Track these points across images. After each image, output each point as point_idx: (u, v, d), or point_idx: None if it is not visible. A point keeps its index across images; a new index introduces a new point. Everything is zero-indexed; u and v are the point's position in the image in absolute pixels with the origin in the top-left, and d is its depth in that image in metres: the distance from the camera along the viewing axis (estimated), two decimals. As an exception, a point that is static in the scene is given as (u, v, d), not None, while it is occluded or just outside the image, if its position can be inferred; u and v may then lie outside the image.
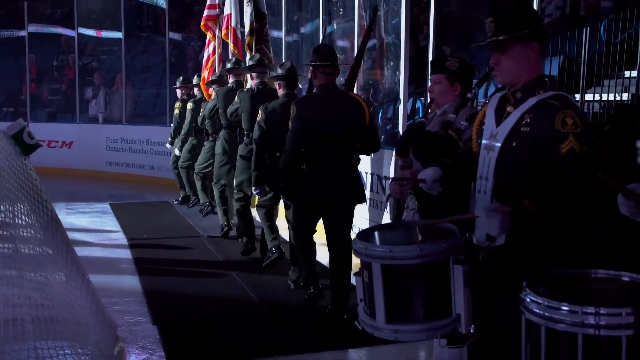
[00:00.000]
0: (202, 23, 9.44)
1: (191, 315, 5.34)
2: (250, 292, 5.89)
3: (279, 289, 5.93)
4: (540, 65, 2.96)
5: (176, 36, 14.61)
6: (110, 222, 9.05)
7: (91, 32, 15.48)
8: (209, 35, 9.41)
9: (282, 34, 9.69)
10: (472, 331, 2.84)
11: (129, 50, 15.12)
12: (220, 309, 5.48)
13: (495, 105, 3.05)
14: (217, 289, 6.02)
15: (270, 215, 6.45)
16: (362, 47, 6.29)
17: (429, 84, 4.16)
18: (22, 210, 3.92)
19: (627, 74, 7.13)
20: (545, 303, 2.13)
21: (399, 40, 6.85)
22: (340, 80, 6.42)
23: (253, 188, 6.17)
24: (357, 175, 5.33)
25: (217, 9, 9.16)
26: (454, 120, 3.83)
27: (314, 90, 5.35)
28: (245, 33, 8.12)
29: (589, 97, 8.21)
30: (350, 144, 5.17)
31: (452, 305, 2.81)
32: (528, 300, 2.21)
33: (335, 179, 5.10)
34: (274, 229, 6.48)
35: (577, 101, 8.12)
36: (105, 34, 15.28)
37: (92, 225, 8.93)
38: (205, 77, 9.25)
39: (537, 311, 2.16)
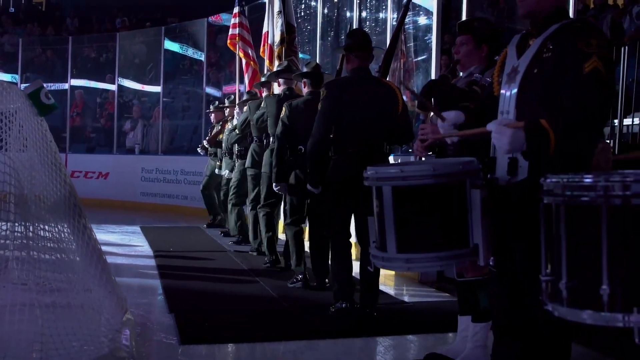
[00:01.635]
0: (228, 41, 9.88)
1: (207, 306, 5.17)
2: (272, 291, 5.69)
3: (305, 290, 5.73)
4: None
5: (215, 92, 14.71)
6: (138, 239, 8.97)
7: (131, 85, 15.74)
8: (235, 51, 9.87)
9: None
10: (491, 264, 2.63)
11: (169, 93, 15.30)
12: (239, 304, 5.30)
13: (517, 42, 2.92)
14: (238, 288, 5.85)
15: (299, 237, 6.06)
16: (396, 34, 6.17)
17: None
18: (37, 174, 3.86)
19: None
20: (565, 179, 1.90)
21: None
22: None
23: (274, 185, 5.95)
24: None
25: (238, 28, 9.45)
26: (479, 79, 3.67)
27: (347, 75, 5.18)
28: (276, 44, 8.14)
29: (627, 121, 8.02)
30: (381, 131, 4.92)
31: (469, 235, 2.60)
32: (547, 181, 1.98)
33: (363, 165, 4.80)
34: (301, 254, 6.05)
35: (615, 126, 7.92)
36: (147, 87, 15.57)
37: (120, 241, 8.86)
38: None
39: (556, 191, 1.93)
